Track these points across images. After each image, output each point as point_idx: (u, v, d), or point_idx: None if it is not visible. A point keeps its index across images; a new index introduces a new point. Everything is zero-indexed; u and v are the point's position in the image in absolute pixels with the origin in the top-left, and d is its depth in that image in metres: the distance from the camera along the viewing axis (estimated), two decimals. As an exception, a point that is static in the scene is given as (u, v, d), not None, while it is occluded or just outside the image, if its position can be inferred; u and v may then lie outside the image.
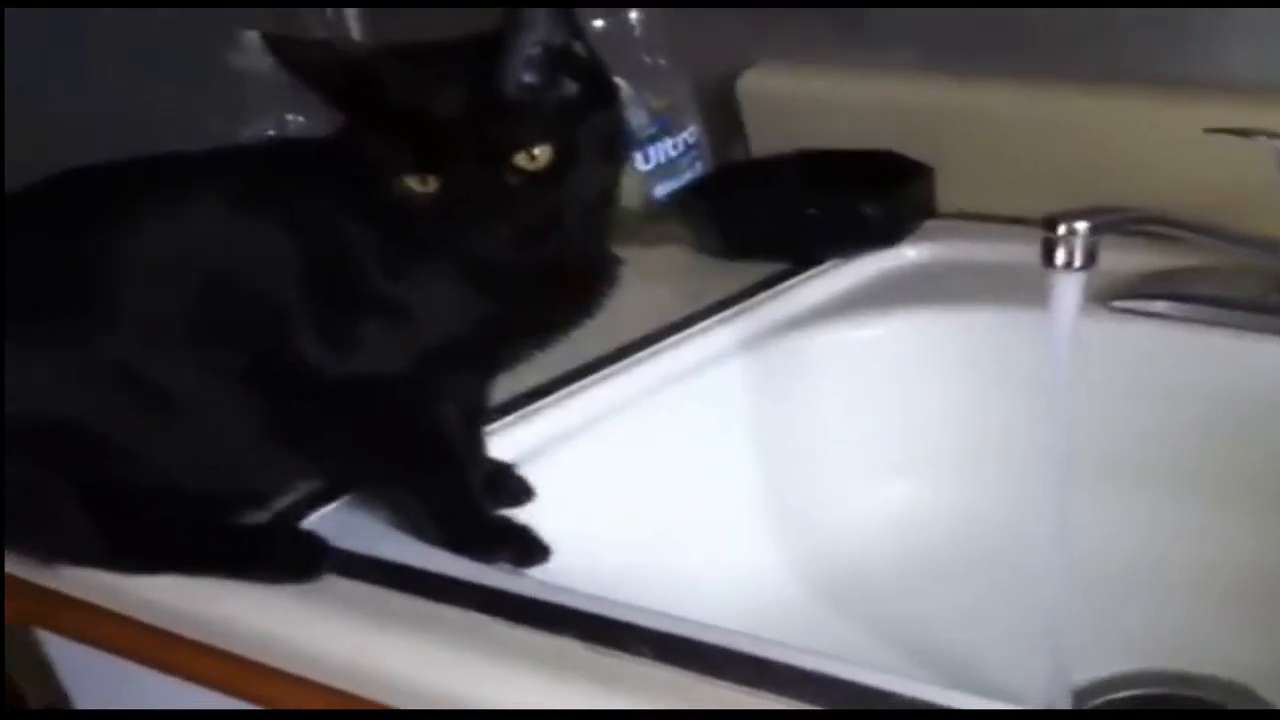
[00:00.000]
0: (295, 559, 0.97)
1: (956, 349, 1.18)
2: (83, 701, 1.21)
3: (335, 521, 1.01)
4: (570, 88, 0.91)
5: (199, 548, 0.99)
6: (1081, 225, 0.93)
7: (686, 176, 1.41)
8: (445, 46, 0.92)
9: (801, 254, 1.28)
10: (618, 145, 0.96)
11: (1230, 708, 1.01)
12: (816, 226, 1.30)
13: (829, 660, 0.81)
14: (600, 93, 0.93)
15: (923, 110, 1.31)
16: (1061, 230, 0.93)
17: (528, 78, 0.89)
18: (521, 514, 1.02)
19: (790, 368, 1.20)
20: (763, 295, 1.24)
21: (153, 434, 0.95)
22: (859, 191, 1.29)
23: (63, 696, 1.21)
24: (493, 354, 1.00)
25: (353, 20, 1.63)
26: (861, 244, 1.28)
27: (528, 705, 0.83)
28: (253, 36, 1.38)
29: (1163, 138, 1.16)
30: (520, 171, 0.89)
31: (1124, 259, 1.07)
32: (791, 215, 1.32)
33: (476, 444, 1.04)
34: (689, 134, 1.42)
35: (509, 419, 1.10)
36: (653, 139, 1.39)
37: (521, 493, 1.05)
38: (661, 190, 1.40)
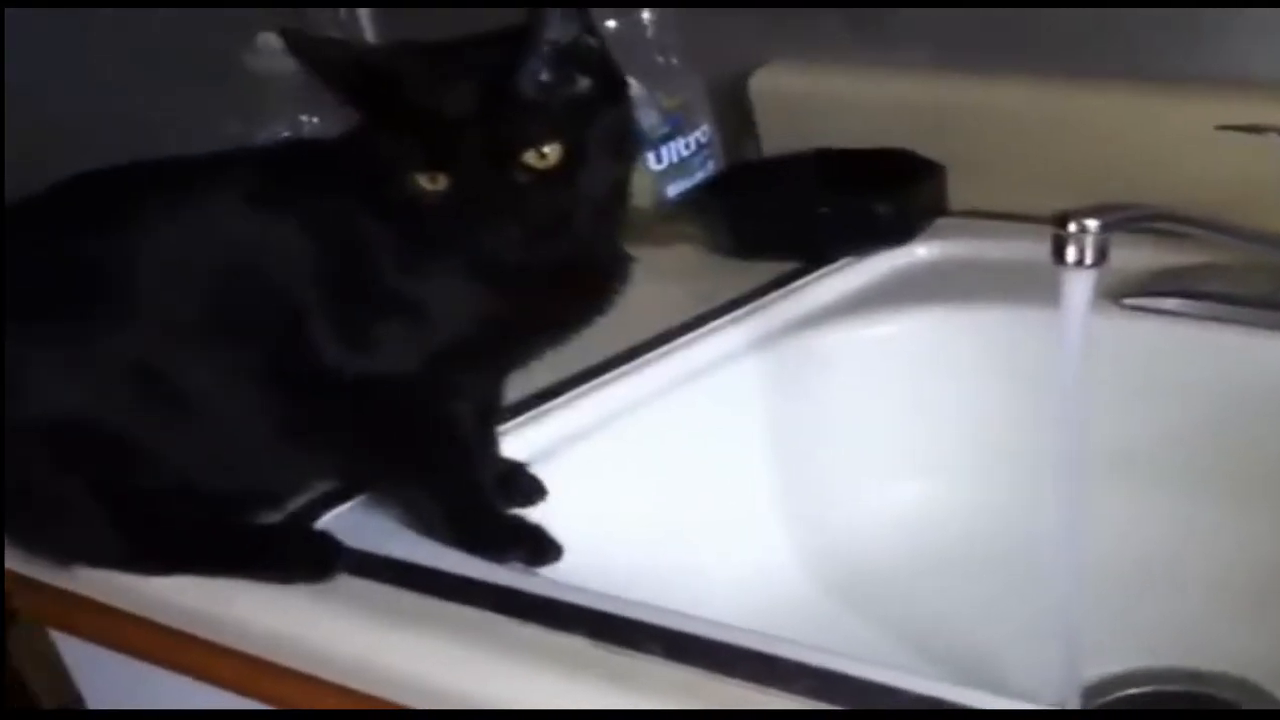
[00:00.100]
0: (309, 559, 0.97)
1: (968, 347, 1.18)
2: (96, 702, 1.21)
3: (349, 521, 1.01)
4: (582, 84, 0.91)
5: (214, 548, 0.99)
6: (1093, 222, 0.92)
7: (699, 176, 1.42)
8: (459, 45, 0.92)
9: (814, 252, 1.29)
10: (628, 143, 0.96)
11: (1243, 705, 1.01)
12: (828, 225, 1.30)
13: (840, 658, 0.81)
14: (611, 89, 0.93)
15: (934, 109, 1.31)
16: (1073, 227, 0.93)
17: (544, 76, 0.89)
18: (533, 513, 1.02)
19: (802, 366, 1.20)
20: (775, 294, 1.25)
21: (168, 435, 0.95)
22: (871, 190, 1.29)
23: (76, 697, 1.22)
24: (505, 352, 1.00)
25: (366, 20, 1.63)
26: (873, 242, 1.28)
27: (539, 704, 0.84)
28: (268, 38, 1.38)
29: (1174, 135, 1.16)
30: (530, 170, 0.89)
31: (1135, 256, 1.07)
32: (803, 214, 1.32)
33: (490, 443, 1.05)
34: (701, 133, 1.42)
35: (521, 419, 1.10)
36: (665, 138, 1.39)
37: (534, 492, 1.05)
38: (674, 189, 1.40)
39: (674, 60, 1.40)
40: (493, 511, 1.01)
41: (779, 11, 1.38)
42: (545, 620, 0.88)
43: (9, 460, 0.95)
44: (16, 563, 1.04)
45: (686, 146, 1.40)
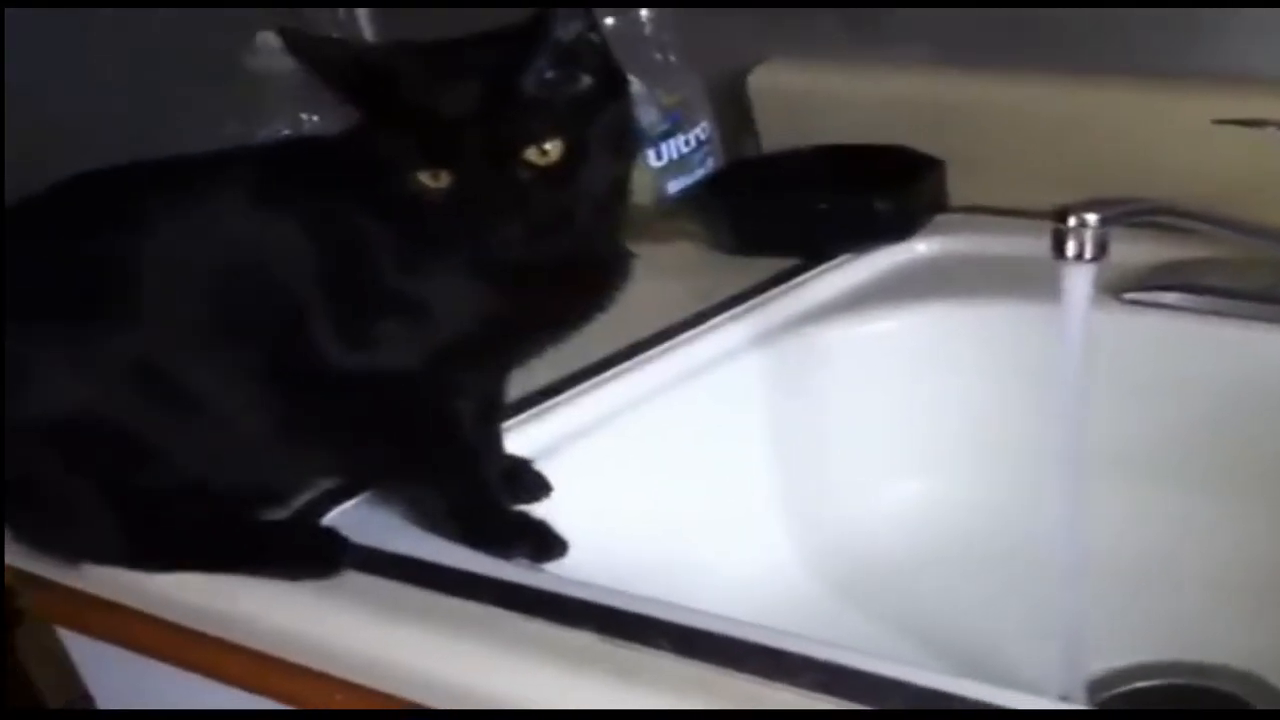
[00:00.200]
0: (315, 555, 0.97)
1: (968, 342, 1.19)
2: (104, 699, 1.21)
3: (354, 518, 1.01)
4: (584, 82, 0.91)
5: (220, 545, 0.99)
6: (1092, 216, 0.93)
7: (698, 173, 1.42)
8: (458, 44, 0.92)
9: (813, 249, 1.29)
10: (628, 139, 0.96)
11: (1246, 698, 1.01)
12: (828, 221, 1.30)
13: (848, 652, 0.81)
14: (611, 86, 0.93)
15: (933, 105, 1.31)
16: (1072, 222, 0.93)
17: (548, 74, 0.89)
18: (537, 509, 1.03)
19: (803, 363, 1.21)
20: (775, 290, 1.25)
21: (173, 433, 0.95)
22: (870, 186, 1.29)
23: (83, 694, 1.22)
24: (506, 349, 1.00)
25: (364, 20, 1.63)
26: (873, 239, 1.29)
27: (546, 699, 0.84)
28: (267, 37, 1.38)
29: (1173, 130, 1.16)
30: (531, 166, 0.89)
31: (1135, 251, 1.07)
32: (803, 210, 1.32)
33: (493, 440, 1.05)
34: (700, 130, 1.42)
35: (524, 416, 1.10)
36: (665, 135, 1.39)
37: (539, 488, 1.05)
38: (674, 186, 1.40)
39: (672, 58, 1.41)
40: (498, 507, 1.01)
41: (777, 9, 1.39)
42: (551, 615, 0.88)
43: (15, 459, 0.96)
44: (24, 561, 1.04)
45: (686, 143, 1.41)
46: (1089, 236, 0.93)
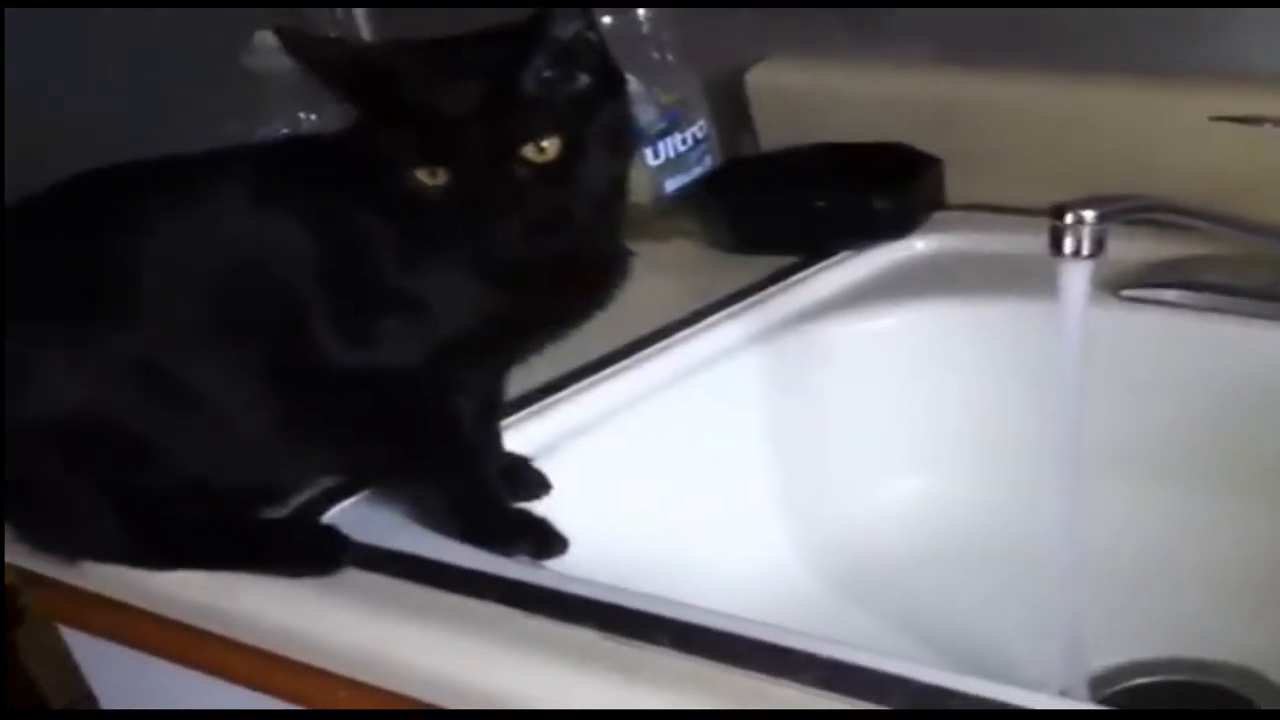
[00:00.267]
0: (316, 553, 0.97)
1: (967, 340, 1.19)
2: (107, 697, 1.21)
3: (355, 515, 1.01)
4: (582, 80, 0.91)
5: (221, 543, 0.99)
6: (1089, 213, 0.93)
7: (696, 171, 1.42)
8: (457, 42, 0.93)
9: (812, 247, 1.29)
10: (626, 137, 0.96)
11: (1247, 694, 1.01)
12: (827, 219, 1.30)
13: (850, 649, 0.81)
14: (609, 85, 0.93)
15: (931, 103, 1.31)
16: (1069, 219, 0.93)
17: (546, 73, 0.89)
18: (537, 507, 1.03)
19: (802, 361, 1.21)
20: (773, 288, 1.25)
21: (174, 431, 0.96)
22: (869, 184, 1.29)
23: (85, 694, 1.22)
24: (506, 347, 1.00)
25: (362, 20, 1.63)
26: (872, 236, 1.29)
27: (547, 695, 0.84)
28: (265, 37, 1.38)
29: (1170, 127, 1.16)
30: (530, 164, 0.89)
31: (1133, 248, 1.07)
32: (801, 208, 1.32)
33: (494, 437, 1.05)
34: (698, 128, 1.42)
35: (523, 414, 1.10)
36: (662, 134, 1.39)
37: (538, 486, 1.05)
38: (672, 185, 1.40)
39: (670, 57, 1.41)
40: (498, 505, 1.01)
41: (775, 8, 1.39)
42: (553, 612, 0.88)
43: (17, 458, 0.96)
44: (26, 559, 1.04)
45: (684, 142, 1.41)
46: (1086, 233, 0.93)
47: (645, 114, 1.36)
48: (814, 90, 1.39)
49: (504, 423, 1.08)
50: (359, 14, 1.63)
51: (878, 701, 0.77)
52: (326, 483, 1.04)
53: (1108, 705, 1.01)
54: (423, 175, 0.89)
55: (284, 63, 0.94)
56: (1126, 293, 1.12)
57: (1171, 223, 1.05)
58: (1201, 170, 1.09)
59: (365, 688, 0.92)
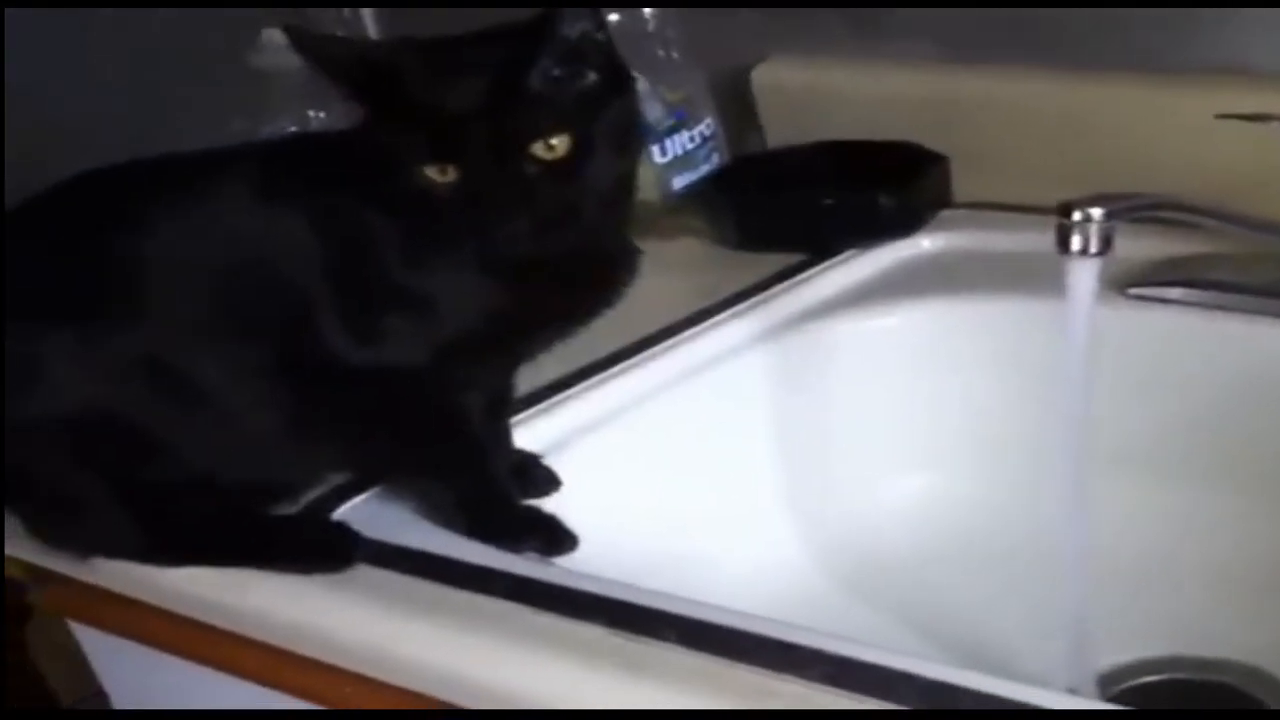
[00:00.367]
0: (327, 549, 0.98)
1: (973, 337, 1.19)
2: (117, 693, 1.21)
3: (365, 512, 1.01)
4: (590, 78, 0.92)
5: (232, 539, 1.00)
6: (1097, 211, 0.93)
7: (703, 169, 1.42)
8: (464, 40, 0.93)
9: (818, 245, 1.29)
10: (633, 135, 0.97)
11: (1254, 692, 1.02)
12: (833, 217, 1.31)
13: (857, 645, 0.81)
14: (617, 83, 0.94)
15: (937, 101, 1.32)
16: (1077, 216, 0.93)
17: (555, 71, 0.90)
18: (546, 504, 1.03)
19: (808, 358, 1.21)
20: (780, 286, 1.25)
21: (183, 428, 0.96)
22: (875, 182, 1.30)
23: (96, 690, 1.22)
24: (514, 344, 1.00)
25: (369, 19, 1.64)
26: (878, 234, 1.29)
27: (556, 691, 0.84)
28: (272, 35, 1.39)
29: (1176, 125, 1.16)
30: (538, 162, 0.89)
31: (1139, 246, 1.07)
32: (808, 206, 1.32)
33: (503, 434, 1.06)
34: (705, 126, 1.42)
35: (531, 411, 1.11)
36: (669, 132, 1.40)
37: (548, 483, 1.05)
38: (678, 183, 1.41)
39: (676, 54, 1.41)
40: (508, 502, 1.01)
41: (781, 6, 1.39)
42: (561, 609, 0.89)
43: (27, 456, 0.96)
44: (37, 556, 1.04)
45: (691, 140, 1.41)
46: (1094, 232, 0.93)
47: (652, 112, 1.37)
48: (821, 88, 1.39)
49: (513, 420, 1.08)
50: (365, 13, 1.63)
51: (885, 698, 0.77)
52: (337, 479, 1.04)
53: (1115, 704, 1.01)
54: (431, 173, 0.90)
55: (291, 61, 0.94)
56: (1132, 291, 1.12)
57: (1178, 220, 1.05)
58: (1207, 168, 1.10)
59: (374, 684, 0.93)
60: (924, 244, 1.29)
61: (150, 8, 1.65)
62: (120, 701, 1.22)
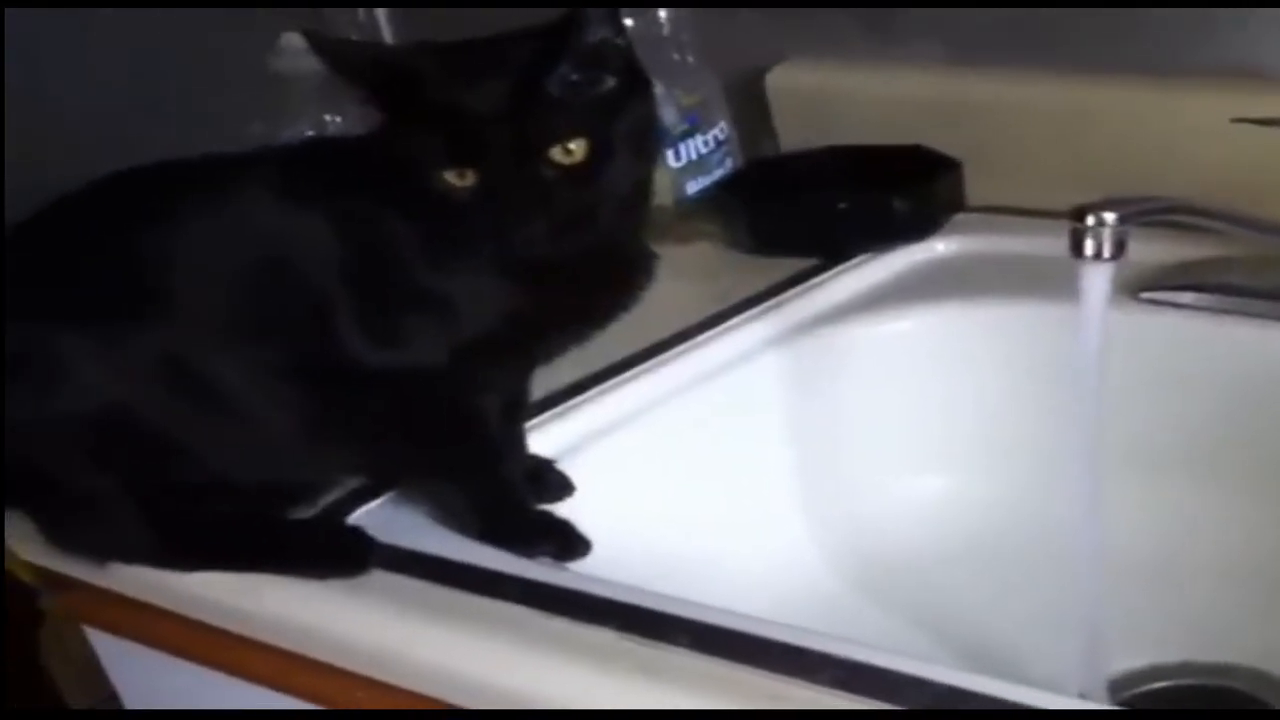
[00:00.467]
0: (344, 554, 0.98)
1: (986, 341, 1.19)
2: (131, 697, 1.22)
3: (380, 517, 1.02)
4: (609, 83, 0.92)
5: (247, 544, 1.00)
6: (1110, 215, 0.93)
7: (717, 173, 1.42)
8: (483, 44, 0.93)
9: (832, 249, 1.29)
10: (651, 139, 0.97)
11: (1263, 697, 1.01)
12: (847, 221, 1.31)
13: (868, 649, 0.81)
14: (635, 88, 0.94)
15: (951, 105, 1.32)
16: (1090, 221, 0.93)
17: (574, 76, 0.90)
18: (559, 509, 1.03)
19: (822, 362, 1.21)
20: (794, 290, 1.25)
21: (201, 431, 0.96)
22: (889, 186, 1.30)
23: (109, 694, 1.22)
24: (531, 347, 1.01)
25: (384, 21, 1.64)
26: (892, 238, 1.29)
27: (568, 695, 0.84)
28: (291, 38, 1.39)
29: (1189, 128, 1.16)
30: (556, 165, 0.90)
31: (1152, 250, 1.07)
32: (822, 210, 1.33)
33: (518, 439, 1.06)
34: (719, 130, 1.42)
35: (546, 415, 1.11)
36: (684, 136, 1.40)
37: (562, 488, 1.06)
38: (692, 187, 1.41)
39: (690, 58, 1.41)
40: (522, 506, 1.01)
41: (794, 10, 1.39)
42: (574, 613, 0.89)
43: (44, 458, 0.97)
44: (51, 560, 1.05)
45: (705, 144, 1.41)
46: (1107, 235, 0.93)
47: (667, 115, 1.37)
48: (834, 92, 1.39)
49: (528, 425, 1.08)
50: (381, 15, 1.64)
51: (895, 702, 0.77)
52: (353, 484, 1.04)
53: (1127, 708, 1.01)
54: (449, 176, 0.90)
55: (310, 64, 0.95)
56: (1145, 294, 1.12)
57: (1191, 224, 1.05)
58: (1220, 171, 1.10)
59: (387, 688, 0.93)
60: (938, 248, 1.29)
61: (164, 8, 1.65)
62: (133, 706, 1.23)
